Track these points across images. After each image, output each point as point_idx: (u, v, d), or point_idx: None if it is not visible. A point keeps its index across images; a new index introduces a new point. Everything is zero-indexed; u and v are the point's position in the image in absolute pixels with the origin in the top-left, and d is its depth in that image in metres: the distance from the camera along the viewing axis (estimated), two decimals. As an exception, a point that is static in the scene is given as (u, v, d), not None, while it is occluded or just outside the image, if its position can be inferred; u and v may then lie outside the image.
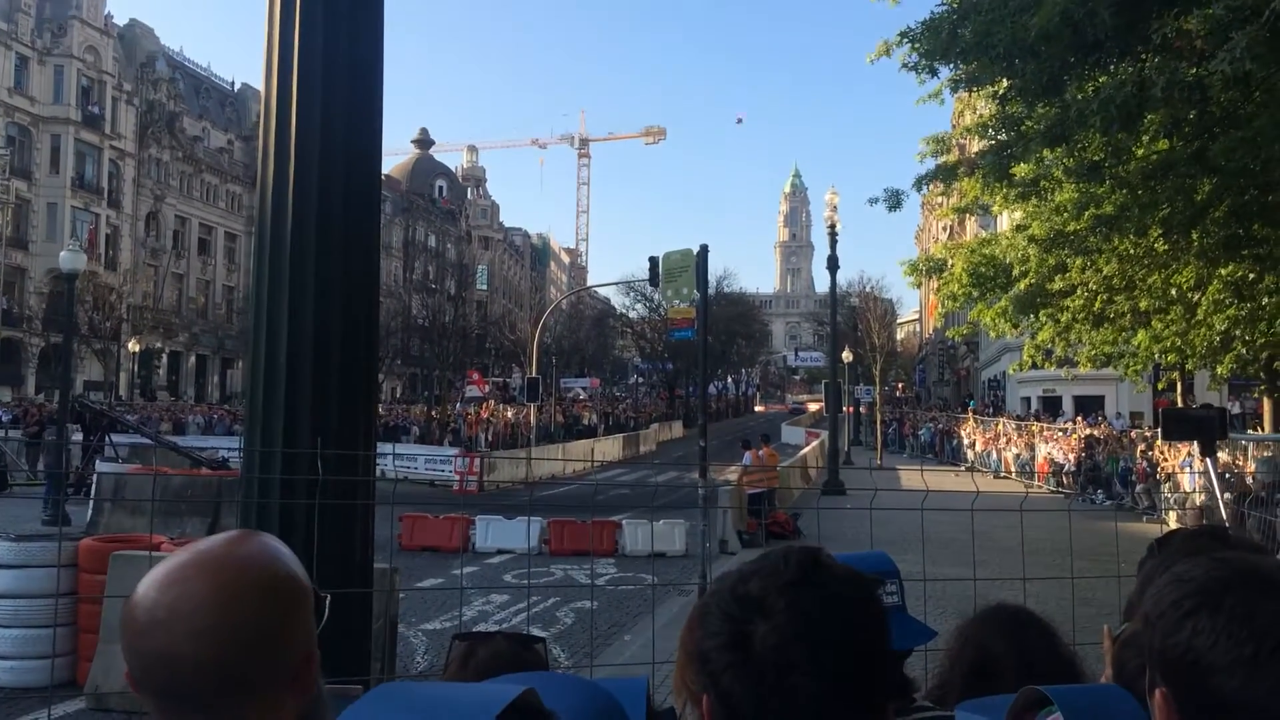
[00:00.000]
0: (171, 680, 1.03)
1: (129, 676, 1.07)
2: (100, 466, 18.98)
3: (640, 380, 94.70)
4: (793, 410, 79.04)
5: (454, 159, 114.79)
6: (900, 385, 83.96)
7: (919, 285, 24.50)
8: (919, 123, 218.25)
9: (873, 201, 12.81)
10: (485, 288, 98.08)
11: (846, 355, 46.67)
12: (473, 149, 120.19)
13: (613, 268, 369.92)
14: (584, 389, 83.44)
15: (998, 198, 13.88)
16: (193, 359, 66.98)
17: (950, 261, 16.95)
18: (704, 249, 7.92)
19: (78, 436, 22.99)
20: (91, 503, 17.07)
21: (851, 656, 1.06)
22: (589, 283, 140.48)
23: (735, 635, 1.06)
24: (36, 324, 52.58)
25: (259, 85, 2.74)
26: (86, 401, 27.39)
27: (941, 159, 13.58)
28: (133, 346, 53.74)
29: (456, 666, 1.90)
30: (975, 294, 16.45)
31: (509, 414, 48.90)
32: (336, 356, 2.47)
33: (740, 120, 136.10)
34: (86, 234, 50.91)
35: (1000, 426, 38.96)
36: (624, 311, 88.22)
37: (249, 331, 2.71)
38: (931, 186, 14.64)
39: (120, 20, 64.37)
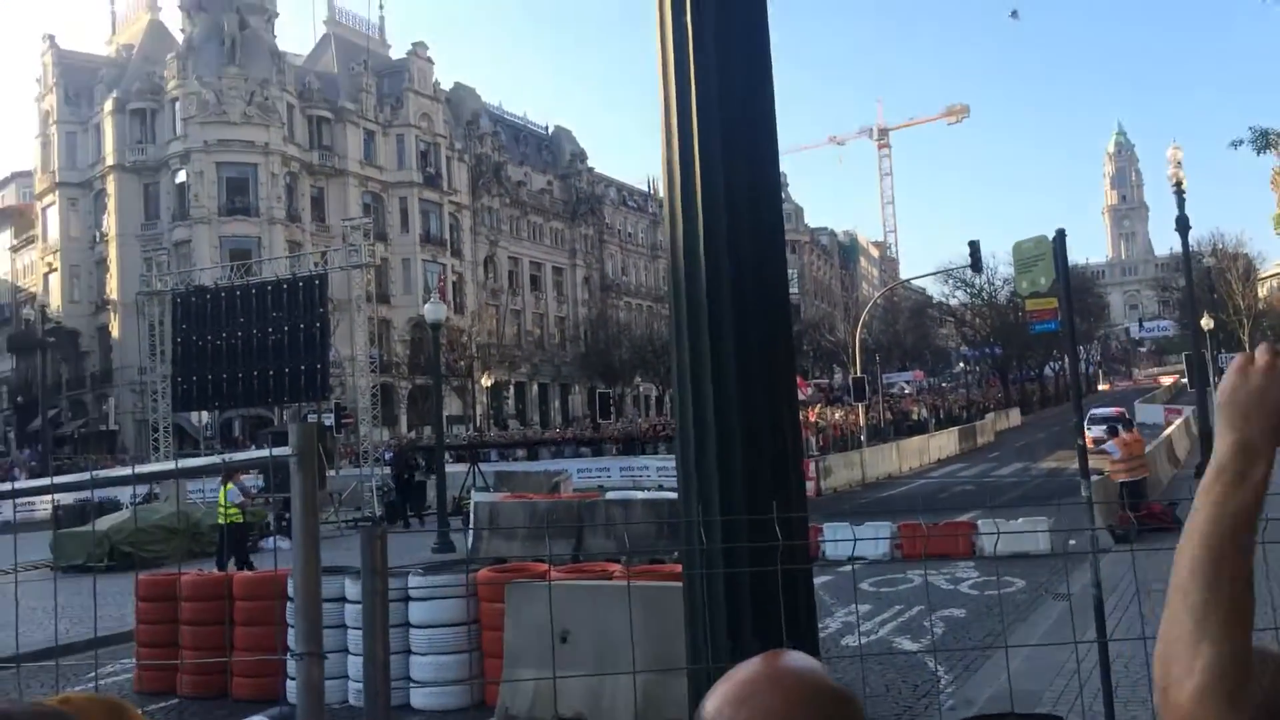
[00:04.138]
0: None
1: None
2: (475, 496, 20.72)
3: (965, 368, 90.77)
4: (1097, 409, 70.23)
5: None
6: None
7: (1297, 237, 21.65)
8: (1250, 69, 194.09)
9: (1236, 144, 11.49)
10: (797, 291, 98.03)
11: (1206, 322, 42.17)
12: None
13: (925, 256, 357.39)
14: (907, 382, 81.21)
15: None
16: (535, 388, 71.93)
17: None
18: (1060, 234, 7.34)
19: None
20: (471, 530, 18.66)
21: None
22: (901, 274, 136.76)
23: None
24: (403, 369, 58.60)
25: (659, 143, 2.83)
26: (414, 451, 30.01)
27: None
28: (485, 381, 58.56)
29: None
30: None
31: (836, 415, 48.44)
32: (765, 426, 2.48)
33: (1015, 14, 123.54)
34: (437, 284, 56.13)
35: None
36: (943, 299, 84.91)
37: (676, 414, 2.78)
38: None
39: (446, 85, 70.62)
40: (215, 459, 2.72)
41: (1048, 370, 78.61)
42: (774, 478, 2.53)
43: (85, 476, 3.37)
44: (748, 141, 2.68)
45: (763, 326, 2.58)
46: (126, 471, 3.48)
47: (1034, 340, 64.37)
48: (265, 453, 2.52)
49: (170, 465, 3.00)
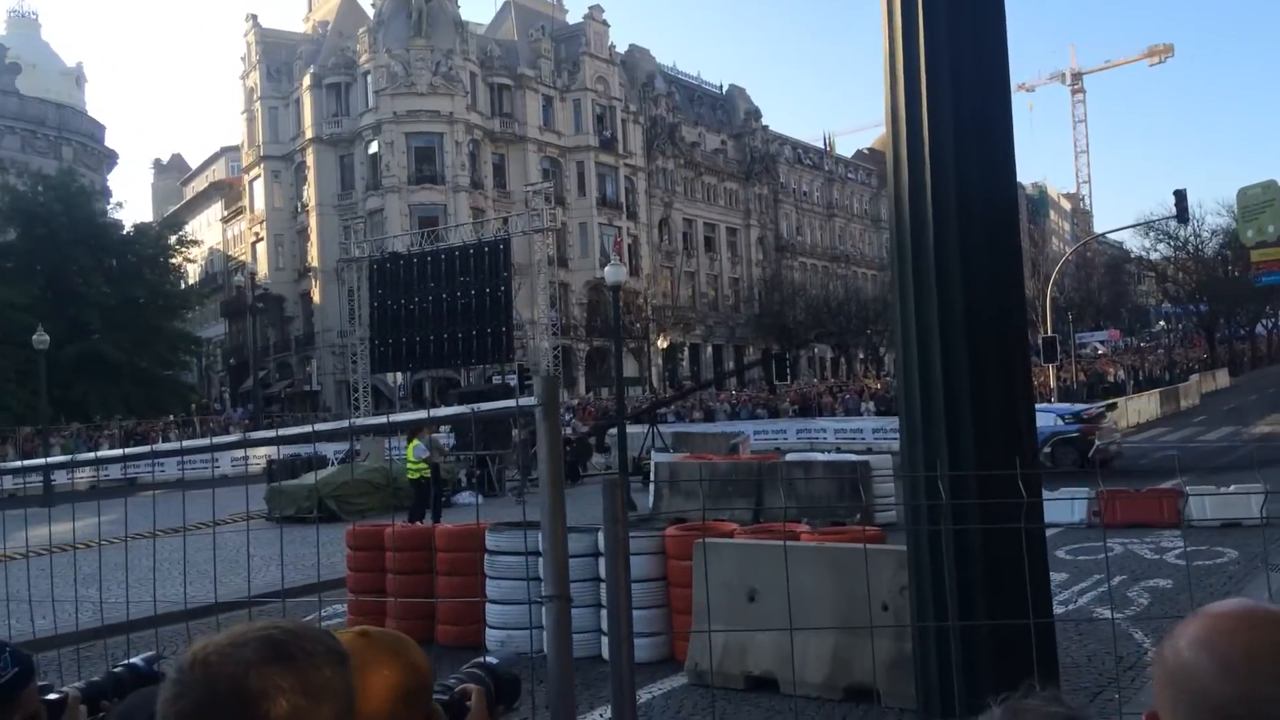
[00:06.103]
0: None
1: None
2: (655, 456, 21.00)
3: (1166, 326, 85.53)
4: None
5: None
6: None
7: None
8: None
9: None
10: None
11: None
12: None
13: (1122, 208, 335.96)
14: (1102, 342, 77.26)
15: None
16: (709, 349, 72.11)
17: None
18: (1294, 179, 6.72)
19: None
20: (652, 488, 18.94)
21: None
22: (1095, 228, 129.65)
23: None
24: (581, 331, 59.85)
25: (884, 90, 2.73)
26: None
27: None
28: (660, 343, 59.16)
29: None
30: None
31: (1025, 377, 46.46)
32: (994, 381, 2.37)
33: None
34: (613, 246, 56.85)
35: None
36: (1143, 254, 79.86)
37: (899, 369, 2.70)
38: None
39: (621, 48, 71.01)
40: (465, 410, 2.83)
41: (1259, 328, 73.06)
42: (1005, 435, 2.43)
43: (307, 429, 3.57)
44: (977, 85, 2.55)
45: (991, 277, 2.47)
46: (344, 424, 3.65)
47: (1246, 295, 59.95)
48: (512, 403, 2.62)
49: (423, 414, 3.15)
